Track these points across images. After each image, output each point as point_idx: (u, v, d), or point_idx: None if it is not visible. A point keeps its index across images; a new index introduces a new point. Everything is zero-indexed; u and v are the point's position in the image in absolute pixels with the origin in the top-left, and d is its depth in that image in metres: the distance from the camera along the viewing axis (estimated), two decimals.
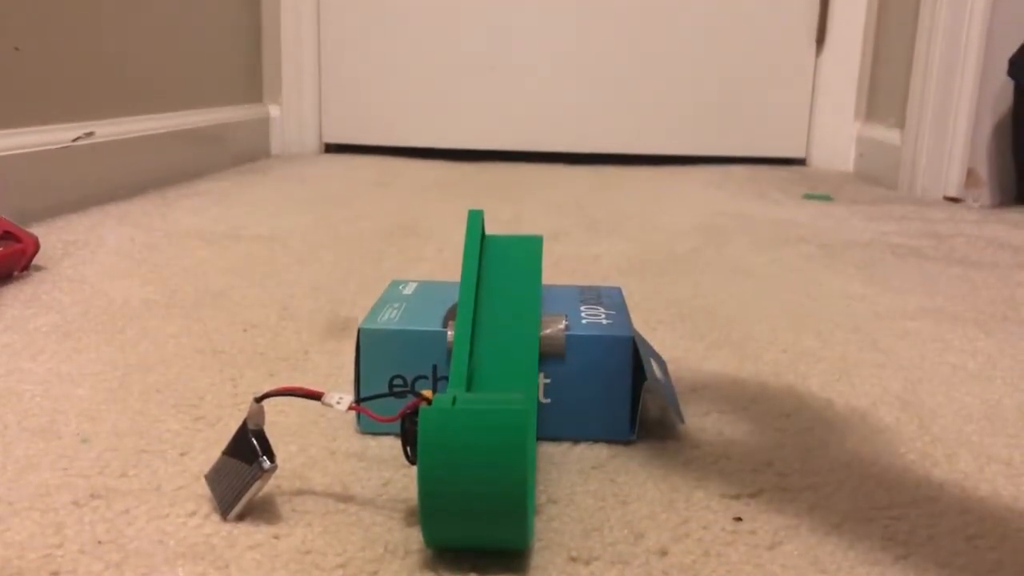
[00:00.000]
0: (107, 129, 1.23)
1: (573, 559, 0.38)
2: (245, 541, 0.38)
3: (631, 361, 0.49)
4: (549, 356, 0.49)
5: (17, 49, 1.06)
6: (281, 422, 0.51)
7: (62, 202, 1.13)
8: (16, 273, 0.80)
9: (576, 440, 0.50)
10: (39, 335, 0.65)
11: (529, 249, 0.52)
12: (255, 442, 0.39)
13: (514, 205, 1.32)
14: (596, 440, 0.50)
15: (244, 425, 0.39)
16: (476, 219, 0.50)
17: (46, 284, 0.78)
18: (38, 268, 0.84)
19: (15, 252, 0.77)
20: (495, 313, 0.49)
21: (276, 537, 0.38)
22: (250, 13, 1.79)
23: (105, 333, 0.66)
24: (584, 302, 0.54)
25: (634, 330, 0.50)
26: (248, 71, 1.80)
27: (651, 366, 0.51)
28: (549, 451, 0.49)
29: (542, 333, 0.48)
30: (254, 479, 0.39)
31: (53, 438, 0.48)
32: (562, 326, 0.49)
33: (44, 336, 0.65)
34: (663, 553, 0.38)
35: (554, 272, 0.90)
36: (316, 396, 0.40)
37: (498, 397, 0.36)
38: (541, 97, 1.89)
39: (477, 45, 1.87)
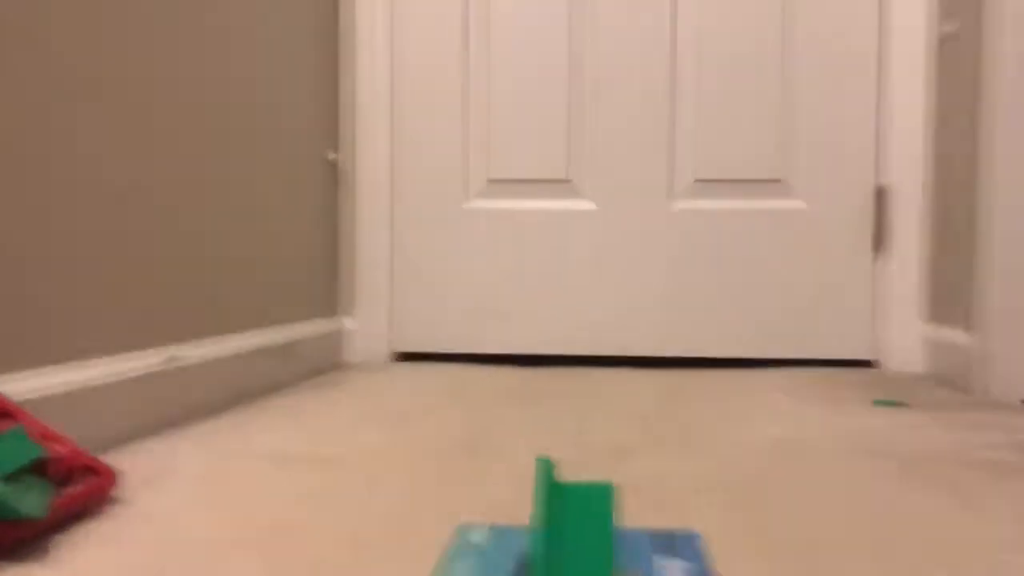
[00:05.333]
0: (188, 352, 1.29)
1: None
2: None
3: None
4: None
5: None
6: None
7: (141, 426, 1.16)
8: (94, 510, 0.81)
9: None
10: None
11: (601, 499, 0.52)
12: None
13: (579, 419, 1.32)
14: None
15: None
16: (545, 470, 0.50)
17: (121, 521, 0.80)
18: (114, 502, 0.85)
19: (94, 489, 0.79)
20: (568, 573, 0.48)
21: None
22: (326, 231, 1.90)
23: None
24: (658, 551, 0.53)
25: None
26: (324, 286, 1.89)
27: None
28: None
29: None
30: None
31: None
32: None
33: None
34: None
35: (621, 494, 0.89)
36: None
37: None
38: (611, 301, 1.93)
39: (544, 253, 1.94)
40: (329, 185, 1.92)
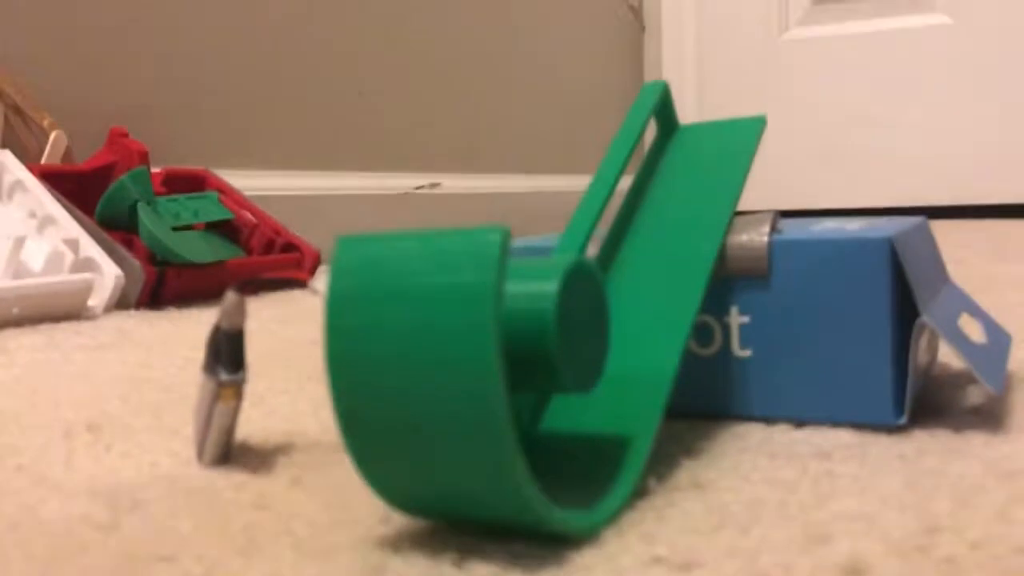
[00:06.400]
0: (452, 182, 1.24)
1: (657, 560, 0.19)
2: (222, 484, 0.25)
3: (892, 283, 0.28)
4: (744, 276, 0.30)
5: (360, 94, 1.10)
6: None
7: None
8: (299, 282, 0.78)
9: (799, 422, 0.29)
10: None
11: (741, 137, 0.34)
12: (219, 346, 0.27)
13: None
14: (836, 424, 0.29)
15: (216, 326, 0.27)
16: (652, 93, 0.34)
17: (311, 298, 0.75)
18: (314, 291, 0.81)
19: (289, 261, 0.75)
20: (664, 212, 0.31)
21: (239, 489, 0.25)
22: (632, 78, 1.75)
23: None
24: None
25: (908, 240, 0.29)
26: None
27: (932, 298, 0.29)
28: (740, 431, 0.29)
29: (729, 239, 0.30)
30: (214, 399, 0.26)
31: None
32: (764, 228, 0.30)
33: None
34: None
35: None
36: (301, 283, 0.27)
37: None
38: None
39: (886, 84, 1.62)
40: (633, 30, 1.77)
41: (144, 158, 0.72)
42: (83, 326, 0.57)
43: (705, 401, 0.31)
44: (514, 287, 0.21)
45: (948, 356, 0.38)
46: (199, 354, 0.47)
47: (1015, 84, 1.52)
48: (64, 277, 0.61)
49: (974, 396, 0.32)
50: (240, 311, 0.27)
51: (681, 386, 0.30)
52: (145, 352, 0.48)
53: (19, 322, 0.58)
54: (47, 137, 0.76)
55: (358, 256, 0.20)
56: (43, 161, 0.74)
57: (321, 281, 0.26)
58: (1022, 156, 1.52)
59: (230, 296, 0.27)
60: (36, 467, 0.28)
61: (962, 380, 0.34)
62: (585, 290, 0.22)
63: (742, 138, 0.34)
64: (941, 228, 1.28)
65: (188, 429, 0.32)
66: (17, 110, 0.75)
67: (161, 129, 0.88)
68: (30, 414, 0.35)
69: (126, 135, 0.74)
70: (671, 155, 0.34)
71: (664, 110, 0.35)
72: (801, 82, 1.68)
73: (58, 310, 0.60)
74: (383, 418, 0.19)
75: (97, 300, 0.62)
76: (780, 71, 1.70)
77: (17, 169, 0.67)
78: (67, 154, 0.76)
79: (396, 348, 0.19)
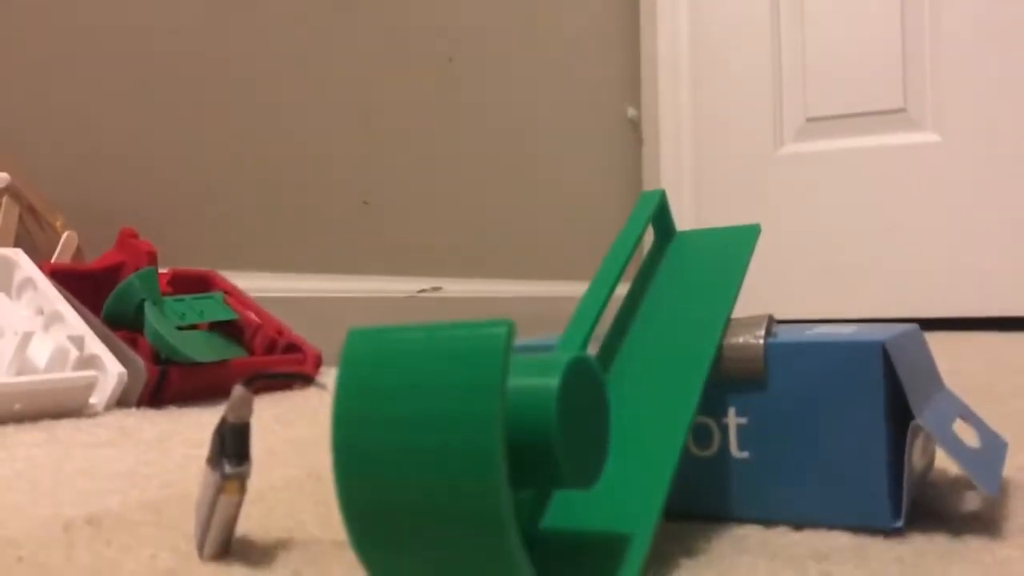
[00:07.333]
0: (453, 286, 1.25)
1: None
2: None
3: (886, 386, 0.29)
4: (741, 378, 0.30)
5: (366, 203, 1.13)
6: None
7: None
8: (296, 385, 0.78)
9: (797, 525, 0.30)
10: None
11: (736, 244, 0.35)
12: (224, 439, 0.27)
13: None
14: (834, 526, 0.29)
15: (223, 419, 0.28)
16: (650, 201, 0.35)
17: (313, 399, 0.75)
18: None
19: (291, 362, 0.76)
20: (661, 314, 0.32)
21: None
22: (629, 188, 1.79)
23: None
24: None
25: (902, 346, 0.30)
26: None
27: (926, 402, 0.30)
28: (739, 533, 0.29)
29: (726, 341, 0.31)
30: (218, 492, 0.27)
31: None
32: (760, 332, 0.31)
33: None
34: None
35: None
36: (309, 378, 0.27)
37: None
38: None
39: (878, 196, 1.66)
40: (631, 142, 1.82)
41: (152, 258, 0.73)
42: (84, 423, 0.58)
43: (703, 502, 0.31)
44: (516, 382, 0.22)
45: (945, 462, 0.38)
46: (199, 452, 0.47)
47: (1003, 199, 1.56)
48: (67, 374, 0.61)
49: (972, 501, 0.32)
50: (247, 405, 0.28)
51: (680, 487, 0.31)
52: (145, 449, 0.48)
53: (20, 418, 0.58)
54: (59, 237, 0.77)
55: (368, 348, 0.20)
56: (54, 260, 0.76)
57: (327, 377, 0.27)
58: (1012, 269, 1.55)
59: (238, 390, 0.28)
60: (36, 559, 0.28)
61: (959, 485, 0.34)
62: (586, 386, 0.23)
63: (738, 244, 0.35)
64: (934, 340, 1.30)
65: (188, 524, 0.32)
66: (31, 210, 0.77)
67: (170, 230, 0.90)
68: (30, 508, 0.35)
69: (135, 236, 0.75)
70: (669, 260, 0.35)
71: (662, 217, 0.36)
72: (795, 195, 1.72)
73: (60, 407, 0.60)
74: (387, 507, 0.19)
75: (99, 397, 0.63)
76: (775, 184, 1.75)
77: (28, 267, 0.68)
78: (78, 253, 0.78)
79: (402, 438, 0.19)
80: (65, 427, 0.56)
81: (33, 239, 0.77)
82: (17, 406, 0.58)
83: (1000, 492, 0.33)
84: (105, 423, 0.58)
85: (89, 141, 0.84)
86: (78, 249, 0.77)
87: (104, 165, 0.86)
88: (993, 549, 0.26)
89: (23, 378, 0.59)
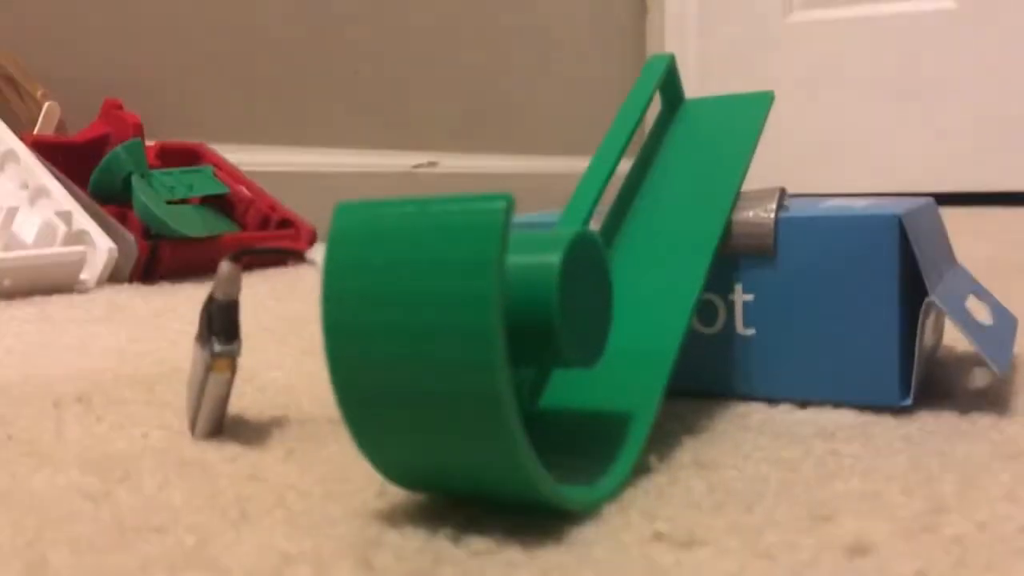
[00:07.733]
0: (450, 161, 1.23)
1: (658, 536, 0.19)
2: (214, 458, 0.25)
3: (900, 261, 0.27)
4: (749, 253, 0.29)
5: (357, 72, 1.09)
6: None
7: None
8: (290, 261, 0.77)
9: (803, 402, 0.29)
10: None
11: (748, 112, 0.33)
12: (212, 317, 0.26)
13: None
14: (839, 404, 0.29)
15: (210, 297, 0.27)
16: (658, 66, 0.33)
17: (307, 275, 0.74)
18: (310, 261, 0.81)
19: (283, 237, 0.75)
20: (668, 187, 0.31)
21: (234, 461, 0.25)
22: (633, 66, 1.74)
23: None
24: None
25: (916, 218, 0.29)
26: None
27: (939, 279, 0.29)
28: (742, 411, 0.29)
29: (736, 216, 0.29)
30: (208, 370, 0.26)
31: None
32: (771, 205, 0.29)
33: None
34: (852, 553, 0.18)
35: None
36: (299, 253, 0.26)
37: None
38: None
39: (891, 70, 1.61)
40: (635, 9, 1.75)
41: (138, 130, 0.71)
42: (75, 299, 0.57)
43: (707, 380, 0.30)
44: (516, 258, 0.20)
45: (953, 338, 0.38)
46: (192, 329, 0.46)
47: (1019, 69, 1.51)
48: (57, 250, 0.60)
49: (980, 378, 0.32)
50: (235, 281, 0.27)
51: (683, 364, 0.30)
52: (137, 326, 0.48)
53: (10, 294, 0.58)
54: (40, 108, 0.75)
55: (357, 223, 0.19)
56: (36, 132, 0.73)
57: (318, 253, 0.25)
58: None
59: (225, 266, 0.26)
60: (26, 437, 0.27)
61: (968, 362, 0.34)
62: (588, 262, 0.22)
63: (749, 114, 0.33)
64: (945, 214, 1.28)
65: (180, 402, 0.31)
66: (10, 80, 0.74)
67: (156, 102, 0.87)
68: (21, 385, 0.34)
69: (120, 107, 0.73)
70: (676, 129, 0.34)
71: (670, 83, 0.34)
72: (805, 64, 1.67)
73: (50, 283, 0.59)
74: (381, 388, 0.18)
75: (90, 273, 0.62)
76: (783, 53, 1.69)
77: (10, 139, 0.66)
78: (60, 126, 0.75)
79: (396, 317, 0.18)
80: (56, 303, 0.55)
81: (13, 110, 0.74)
82: (7, 282, 0.57)
83: (1010, 369, 0.32)
84: (96, 299, 0.57)
85: (69, 8, 0.80)
86: (60, 122, 0.75)
87: (85, 32, 0.82)
88: (1001, 426, 0.26)
89: (11, 254, 0.57)
